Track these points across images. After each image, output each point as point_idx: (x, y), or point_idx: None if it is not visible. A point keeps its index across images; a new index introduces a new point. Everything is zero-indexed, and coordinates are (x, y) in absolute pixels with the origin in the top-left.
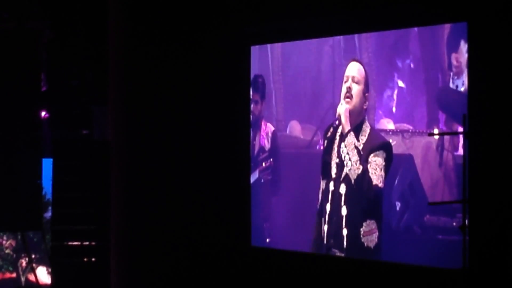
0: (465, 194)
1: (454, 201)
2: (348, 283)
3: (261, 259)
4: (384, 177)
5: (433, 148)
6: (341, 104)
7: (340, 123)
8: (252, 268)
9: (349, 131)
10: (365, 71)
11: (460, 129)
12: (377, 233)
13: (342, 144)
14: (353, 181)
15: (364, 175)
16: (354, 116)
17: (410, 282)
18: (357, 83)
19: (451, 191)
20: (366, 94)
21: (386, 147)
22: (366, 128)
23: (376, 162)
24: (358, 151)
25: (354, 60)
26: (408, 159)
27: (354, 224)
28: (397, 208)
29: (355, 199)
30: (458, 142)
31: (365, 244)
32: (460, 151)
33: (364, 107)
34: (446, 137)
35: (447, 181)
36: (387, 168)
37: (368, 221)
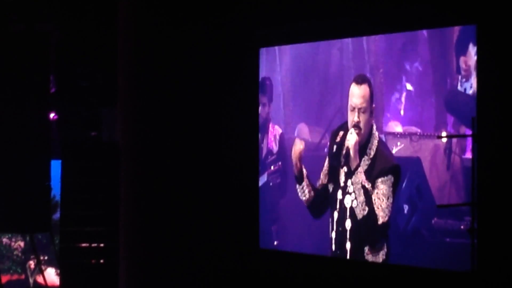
0: (474, 197)
1: (463, 203)
2: (355, 286)
3: (269, 262)
4: (392, 201)
5: (441, 151)
6: (350, 133)
7: (348, 153)
8: (260, 270)
9: (357, 167)
10: (369, 87)
11: (468, 132)
12: (384, 251)
13: (349, 181)
14: (358, 218)
15: (370, 216)
16: (363, 138)
17: (418, 284)
18: (364, 112)
19: (458, 194)
20: (373, 106)
21: (394, 171)
22: (374, 141)
23: (383, 191)
24: (365, 191)
25: (356, 83)
26: (416, 162)
27: (358, 240)
28: (405, 211)
29: (361, 233)
30: (466, 145)
31: (370, 261)
32: (468, 154)
33: (372, 122)
34: (454, 140)
35: (455, 184)
36: (395, 191)
37: (373, 246)
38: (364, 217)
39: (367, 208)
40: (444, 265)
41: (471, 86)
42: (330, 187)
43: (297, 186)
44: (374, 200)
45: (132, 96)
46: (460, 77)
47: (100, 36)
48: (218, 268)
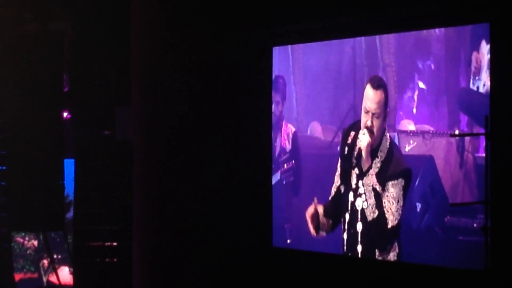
0: (487, 195)
1: (476, 202)
2: (368, 284)
3: (282, 260)
4: (402, 205)
5: (453, 149)
6: (363, 134)
7: (360, 154)
8: (273, 268)
9: (368, 169)
10: (385, 92)
11: (481, 130)
12: (396, 251)
13: (360, 182)
14: (368, 220)
15: (380, 219)
16: (375, 141)
17: (431, 283)
18: (377, 117)
19: (471, 192)
20: (387, 110)
21: (405, 175)
22: (386, 143)
23: (393, 195)
24: (376, 193)
25: (372, 86)
26: (428, 160)
27: (368, 243)
28: (418, 209)
29: (371, 236)
30: (479, 143)
31: (382, 260)
32: (481, 152)
33: (385, 125)
34: (467, 138)
35: (468, 182)
36: (405, 195)
37: (383, 249)
38: (374, 219)
39: (377, 211)
40: (457, 264)
41: (484, 84)
42: (342, 188)
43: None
44: (385, 203)
45: (145, 95)
46: (472, 75)
47: (113, 35)
48: (231, 266)
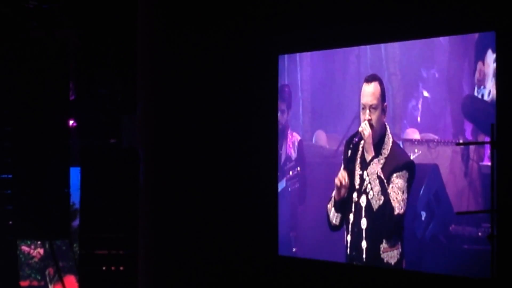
0: (493, 203)
1: (482, 210)
2: None
3: (288, 269)
4: (407, 197)
5: (458, 158)
6: (365, 124)
7: (363, 140)
8: (279, 277)
9: (372, 158)
10: (380, 85)
11: (486, 138)
12: (399, 250)
13: (365, 172)
14: (374, 209)
15: (386, 206)
16: (376, 135)
17: None
18: (375, 108)
19: (476, 200)
20: (385, 104)
21: (409, 167)
22: (388, 141)
23: (398, 185)
24: (381, 181)
25: (366, 81)
26: (433, 168)
27: (373, 238)
28: (423, 218)
29: (376, 228)
30: (484, 151)
31: (385, 260)
32: (486, 161)
33: (384, 120)
34: (472, 147)
35: (472, 191)
36: (410, 187)
37: (389, 239)
38: (380, 207)
39: (382, 198)
40: (462, 272)
41: (489, 92)
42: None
43: (333, 210)
44: (390, 193)
45: (151, 103)
46: (477, 83)
47: (119, 43)
48: (237, 274)
